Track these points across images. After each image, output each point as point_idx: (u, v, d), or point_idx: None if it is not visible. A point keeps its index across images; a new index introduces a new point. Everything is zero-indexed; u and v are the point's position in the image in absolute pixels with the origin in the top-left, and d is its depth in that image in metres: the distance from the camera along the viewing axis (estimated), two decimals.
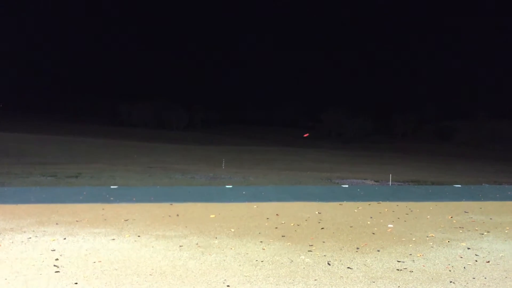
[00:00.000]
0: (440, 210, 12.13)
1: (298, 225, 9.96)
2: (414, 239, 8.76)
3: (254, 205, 12.56)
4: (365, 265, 6.96)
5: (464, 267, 6.88)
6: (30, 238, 8.44)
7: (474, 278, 6.36)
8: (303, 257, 7.35)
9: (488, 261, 7.22)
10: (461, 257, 7.45)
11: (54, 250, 7.58)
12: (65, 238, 8.45)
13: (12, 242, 8.10)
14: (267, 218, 10.66)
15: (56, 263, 6.86)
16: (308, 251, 7.73)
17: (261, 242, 8.35)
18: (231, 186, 17.59)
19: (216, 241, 8.37)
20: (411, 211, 12.00)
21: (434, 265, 7.01)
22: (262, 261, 7.08)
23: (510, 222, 10.50)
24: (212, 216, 10.89)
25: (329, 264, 6.95)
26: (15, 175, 21.80)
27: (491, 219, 10.93)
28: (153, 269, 6.60)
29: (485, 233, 9.33)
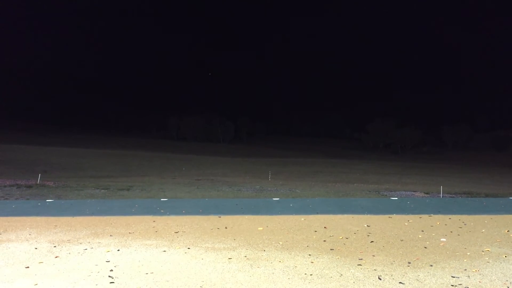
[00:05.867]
0: (495, 224, 11.65)
1: (346, 238, 9.84)
2: (468, 253, 8.46)
3: (302, 218, 12.51)
4: (417, 280, 6.79)
5: None
6: (86, 249, 8.77)
7: None
8: (353, 271, 7.26)
9: None
10: None
11: (108, 261, 7.84)
12: (119, 250, 8.73)
13: (69, 253, 8.44)
14: (315, 231, 10.60)
15: (111, 274, 7.10)
16: (358, 265, 7.62)
17: (309, 255, 8.31)
18: (278, 199, 17.59)
19: (265, 254, 8.40)
20: (465, 224, 11.59)
21: (491, 281, 6.74)
22: (311, 275, 7.04)
23: None
24: (260, 228, 10.94)
25: (380, 279, 6.83)
26: (70, 188, 22.73)
27: None
28: (203, 281, 6.71)
29: None
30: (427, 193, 22.21)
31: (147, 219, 12.25)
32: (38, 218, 12.39)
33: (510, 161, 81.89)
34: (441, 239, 9.72)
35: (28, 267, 7.47)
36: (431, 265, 7.60)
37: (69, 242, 9.37)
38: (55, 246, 8.99)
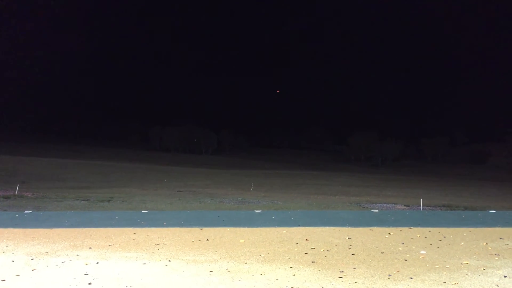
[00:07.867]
0: (474, 236, 11.82)
1: (328, 250, 9.88)
2: (448, 266, 8.56)
3: (284, 230, 12.52)
4: None
5: None
6: (64, 262, 8.63)
7: None
8: (334, 283, 7.28)
9: None
10: (498, 286, 7.24)
11: (87, 274, 7.73)
12: (98, 262, 8.61)
13: (47, 266, 8.29)
14: (297, 243, 10.62)
15: (90, 287, 6.99)
16: (339, 277, 7.65)
17: (291, 267, 8.32)
18: (260, 211, 17.57)
19: (246, 266, 8.38)
20: (444, 237, 11.74)
21: None
22: (292, 287, 7.04)
23: None
24: (241, 240, 10.91)
25: None
26: (50, 199, 22.34)
27: None
28: None
29: None
30: (407, 206, 22.43)
31: (128, 231, 12.11)
32: (16, 230, 12.15)
33: (487, 175, 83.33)
34: (421, 252, 9.82)
35: (4, 280, 7.31)
36: (411, 278, 7.67)
37: (47, 255, 9.21)
38: (32, 259, 8.82)
